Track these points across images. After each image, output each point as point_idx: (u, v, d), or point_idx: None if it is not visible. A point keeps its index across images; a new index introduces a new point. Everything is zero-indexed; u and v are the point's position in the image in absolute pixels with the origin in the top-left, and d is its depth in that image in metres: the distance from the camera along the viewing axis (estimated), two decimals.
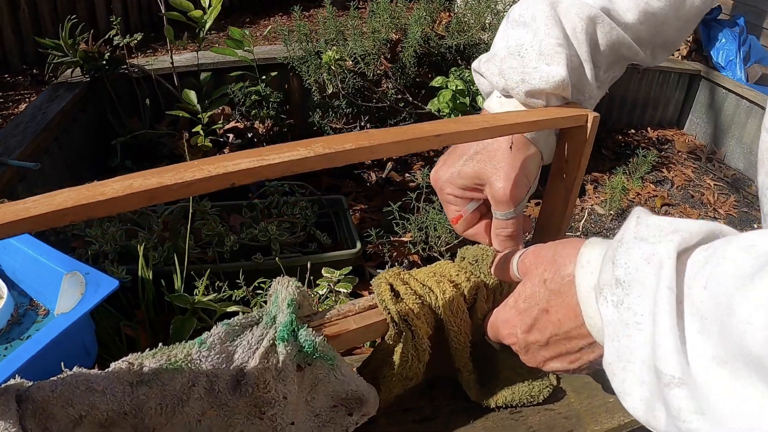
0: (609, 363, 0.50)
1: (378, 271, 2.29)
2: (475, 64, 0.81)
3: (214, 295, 1.74)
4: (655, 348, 0.44)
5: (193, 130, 2.78)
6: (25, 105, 3.59)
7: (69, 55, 2.83)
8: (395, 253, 2.33)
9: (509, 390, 0.87)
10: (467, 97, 2.75)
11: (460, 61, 2.96)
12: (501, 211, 0.78)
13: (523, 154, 0.76)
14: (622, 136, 4.26)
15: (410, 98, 2.96)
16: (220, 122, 2.86)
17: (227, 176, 0.54)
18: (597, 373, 0.63)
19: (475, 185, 0.79)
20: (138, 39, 2.95)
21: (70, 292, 1.10)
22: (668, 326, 0.43)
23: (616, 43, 0.79)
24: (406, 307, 0.74)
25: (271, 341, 0.72)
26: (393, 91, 2.93)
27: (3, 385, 0.60)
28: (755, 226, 3.43)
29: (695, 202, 3.60)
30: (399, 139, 0.57)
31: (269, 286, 0.78)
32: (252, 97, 2.85)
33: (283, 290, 0.75)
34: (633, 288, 0.47)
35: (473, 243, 0.85)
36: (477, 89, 2.70)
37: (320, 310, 0.78)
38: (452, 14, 3.10)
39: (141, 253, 1.74)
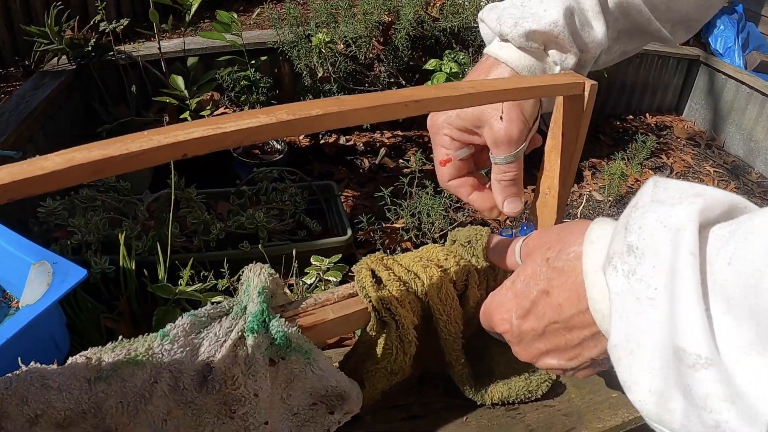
0: (614, 345, 0.43)
1: None
2: (480, 13, 0.80)
3: (199, 285, 1.68)
4: (676, 323, 0.38)
5: (181, 116, 2.71)
6: None
7: (55, 43, 2.76)
8: (387, 240, 2.27)
9: (505, 385, 0.81)
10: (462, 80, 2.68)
11: (454, 44, 2.90)
12: (501, 153, 0.73)
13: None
14: (620, 122, 4.20)
15: (403, 82, 2.90)
16: (208, 108, 2.79)
17: (178, 146, 0.48)
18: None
19: (474, 127, 0.74)
20: (124, 24, 2.88)
21: (37, 282, 1.03)
22: (693, 296, 0.37)
23: (624, 2, 0.76)
24: (389, 294, 0.68)
25: (239, 333, 0.66)
26: (386, 74, 2.86)
27: None
28: None
29: None
30: (373, 105, 0.50)
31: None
32: (241, 83, 2.78)
33: (255, 278, 0.69)
34: (646, 256, 0.41)
35: (464, 225, 0.78)
36: None
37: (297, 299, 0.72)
38: None
39: (122, 242, 1.67)
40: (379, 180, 2.90)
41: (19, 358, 0.61)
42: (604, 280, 0.45)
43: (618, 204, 3.22)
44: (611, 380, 0.85)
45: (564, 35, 0.72)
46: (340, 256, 1.71)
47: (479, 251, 0.73)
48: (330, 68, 2.74)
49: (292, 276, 1.70)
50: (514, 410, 0.83)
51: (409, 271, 0.71)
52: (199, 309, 0.68)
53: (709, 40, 4.66)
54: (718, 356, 0.36)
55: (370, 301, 0.68)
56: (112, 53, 2.88)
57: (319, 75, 2.76)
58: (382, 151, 3.11)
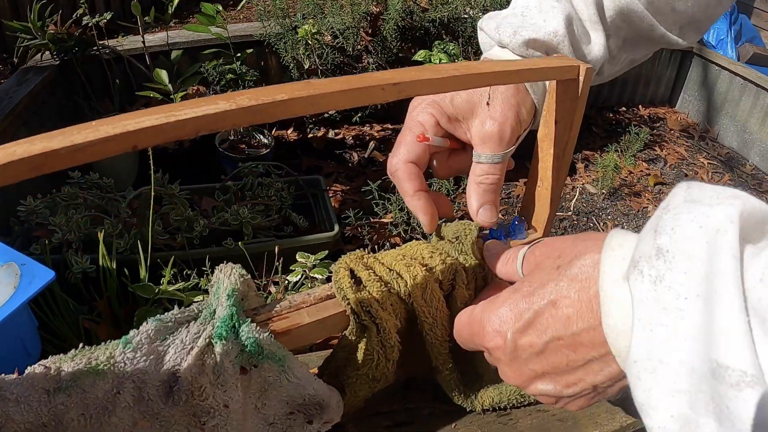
0: (634, 362, 0.37)
1: None
2: (479, 22, 0.76)
3: (182, 283, 1.63)
4: (715, 335, 0.33)
5: None
6: None
7: (38, 38, 2.71)
8: (375, 236, 2.22)
9: (496, 390, 0.76)
10: None
11: (444, 35, 2.85)
12: (488, 152, 0.67)
13: (520, 96, 0.68)
14: (612, 114, 4.16)
15: None
16: None
17: (127, 136, 0.43)
18: None
19: (463, 118, 0.68)
20: (107, 18, 2.82)
21: (3, 285, 0.98)
22: (736, 305, 0.32)
23: (625, 9, 0.72)
24: (369, 296, 0.63)
25: (207, 339, 0.61)
26: (374, 66, 2.82)
27: None
28: None
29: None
30: (345, 88, 0.45)
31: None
32: (227, 76, 2.73)
33: (225, 279, 0.65)
34: (678, 261, 0.36)
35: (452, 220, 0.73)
36: None
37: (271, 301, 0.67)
38: None
39: (101, 241, 1.62)
40: (368, 174, 2.85)
41: None
42: (624, 292, 0.40)
43: (611, 197, 3.18)
44: None
45: (564, 45, 0.68)
46: (326, 252, 1.66)
47: (468, 248, 0.68)
48: (317, 60, 2.69)
49: (277, 274, 1.65)
50: (505, 416, 0.78)
51: (391, 270, 0.66)
52: (166, 313, 0.63)
53: None
54: (762, 376, 0.31)
55: (349, 304, 0.63)
56: (95, 48, 2.83)
57: (306, 67, 2.71)
58: (372, 144, 3.06)
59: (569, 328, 0.46)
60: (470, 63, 0.55)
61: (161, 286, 1.57)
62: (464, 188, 2.85)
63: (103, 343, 0.61)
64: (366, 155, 3.02)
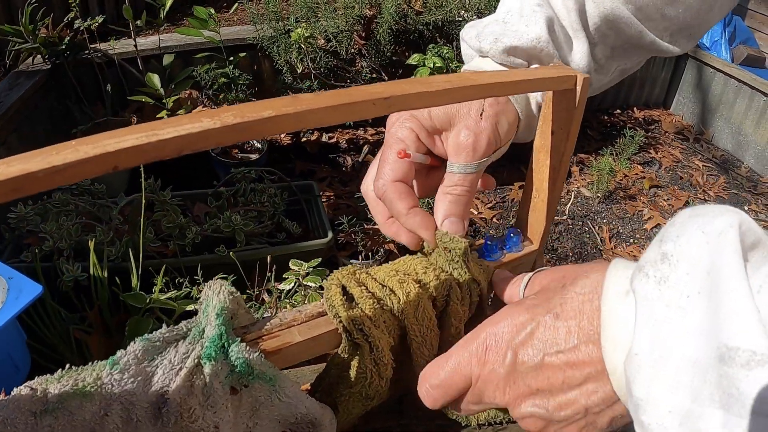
0: (636, 354, 0.38)
1: (351, 261, 2.16)
2: (461, 31, 0.74)
3: (174, 292, 1.61)
4: (722, 321, 0.34)
5: (158, 115, 2.64)
6: None
7: (29, 42, 2.69)
8: (369, 242, 2.20)
9: None
10: None
11: (438, 38, 2.83)
12: (460, 162, 0.64)
13: (499, 106, 0.66)
14: (607, 117, 4.16)
15: (386, 77, 2.84)
16: (187, 105, 2.71)
17: (107, 157, 0.41)
18: None
19: (442, 129, 0.66)
20: (99, 21, 2.80)
21: None
22: (742, 290, 0.33)
23: (610, 15, 0.69)
24: (361, 314, 0.61)
25: (196, 360, 0.59)
26: (368, 69, 2.80)
27: None
28: (746, 208, 3.35)
29: (684, 184, 3.50)
30: (335, 104, 0.43)
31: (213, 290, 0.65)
32: (220, 80, 2.71)
33: (213, 297, 0.63)
34: (681, 263, 0.37)
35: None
36: (456, 66, 2.58)
37: (268, 314, 0.65)
38: None
39: (92, 249, 1.60)
40: (362, 178, 2.80)
41: None
42: (626, 307, 0.41)
43: (606, 200, 3.17)
44: None
45: (548, 50, 0.67)
46: (320, 260, 1.64)
47: (459, 260, 0.66)
48: (310, 64, 2.68)
49: (270, 282, 1.63)
50: (502, 430, 0.76)
51: (384, 286, 0.64)
52: (154, 332, 0.61)
53: None
54: None
55: (341, 322, 0.61)
56: (87, 51, 2.82)
57: (299, 71, 2.69)
58: (366, 148, 3.04)
59: (569, 341, 0.45)
60: (463, 74, 0.53)
61: (153, 295, 1.55)
62: None
63: (90, 364, 0.59)
64: (360, 159, 3.00)
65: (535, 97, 0.70)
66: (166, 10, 2.58)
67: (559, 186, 0.69)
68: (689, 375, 0.34)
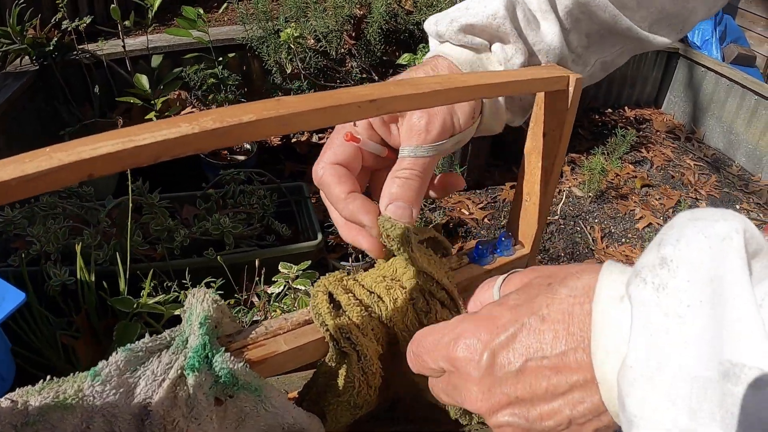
0: (630, 366, 0.35)
1: (342, 263, 2.14)
2: (424, 23, 0.71)
3: (162, 296, 1.59)
4: (726, 334, 0.32)
5: (146, 117, 2.61)
6: None
7: (17, 43, 2.66)
8: None
9: None
10: None
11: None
12: (411, 144, 0.58)
13: None
14: (598, 116, 4.15)
15: (376, 77, 2.82)
16: (176, 106, 2.69)
17: (82, 165, 0.40)
18: None
19: (396, 116, 0.61)
20: (87, 22, 2.77)
21: None
22: (749, 301, 0.32)
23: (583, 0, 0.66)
24: (349, 322, 0.60)
25: (179, 370, 0.57)
26: (358, 70, 2.78)
27: None
28: (737, 207, 3.35)
29: (676, 183, 3.49)
30: (319, 107, 0.42)
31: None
32: (209, 81, 2.69)
33: (197, 305, 0.61)
34: (681, 269, 0.35)
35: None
36: None
37: (253, 322, 0.63)
38: None
39: (79, 253, 1.58)
40: None
41: None
42: (620, 312, 0.38)
43: (598, 200, 3.16)
44: None
45: (505, 27, 0.63)
46: (309, 262, 1.62)
47: (399, 247, 0.60)
48: (299, 64, 2.66)
49: (259, 285, 1.61)
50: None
51: (371, 293, 0.62)
52: (137, 342, 0.59)
53: (687, 33, 4.63)
54: None
55: (327, 330, 0.59)
56: (75, 52, 2.79)
57: (289, 71, 2.67)
58: None
59: (556, 347, 0.41)
60: (452, 75, 0.52)
61: (141, 300, 1.53)
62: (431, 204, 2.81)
63: (71, 375, 0.57)
64: None
65: (493, 65, 0.67)
66: (154, 11, 2.55)
67: (551, 189, 0.68)
68: (687, 390, 0.32)
